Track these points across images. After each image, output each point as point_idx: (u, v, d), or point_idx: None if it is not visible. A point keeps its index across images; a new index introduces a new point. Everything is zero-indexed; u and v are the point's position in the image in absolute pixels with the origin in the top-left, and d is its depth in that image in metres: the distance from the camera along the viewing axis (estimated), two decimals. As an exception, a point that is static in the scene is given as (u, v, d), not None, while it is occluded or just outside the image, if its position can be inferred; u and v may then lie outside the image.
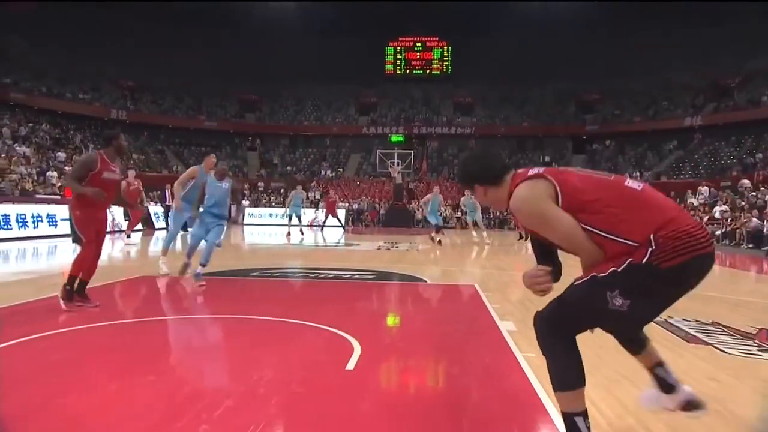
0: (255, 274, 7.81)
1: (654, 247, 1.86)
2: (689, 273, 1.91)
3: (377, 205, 29.94)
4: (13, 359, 3.34)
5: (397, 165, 29.73)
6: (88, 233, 5.05)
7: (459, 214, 25.11)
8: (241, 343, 3.90)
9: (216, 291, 6.52)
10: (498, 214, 28.80)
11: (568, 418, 2.02)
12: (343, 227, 22.93)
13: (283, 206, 28.64)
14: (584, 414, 2.02)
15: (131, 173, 12.54)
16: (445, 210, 26.25)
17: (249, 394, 2.78)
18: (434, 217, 15.17)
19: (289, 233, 17.69)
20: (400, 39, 42.72)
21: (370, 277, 7.82)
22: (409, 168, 32.30)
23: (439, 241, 14.71)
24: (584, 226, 1.98)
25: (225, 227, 6.82)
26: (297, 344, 3.90)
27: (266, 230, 22.65)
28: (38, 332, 3.92)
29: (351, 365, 3.30)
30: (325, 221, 21.74)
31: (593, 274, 1.96)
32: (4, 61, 29.79)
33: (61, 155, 24.57)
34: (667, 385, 2.29)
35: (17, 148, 22.60)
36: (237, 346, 3.83)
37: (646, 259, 1.86)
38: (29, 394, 2.71)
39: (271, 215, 27.98)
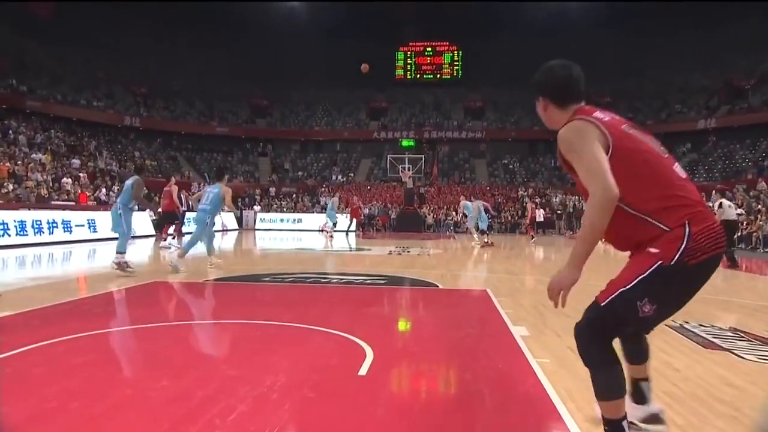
0: (267, 279, 7.84)
1: (686, 243, 1.91)
2: (709, 270, 2.00)
3: (388, 210, 29.95)
4: (30, 363, 3.39)
5: (408, 170, 29.74)
6: None
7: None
8: (253, 348, 3.92)
9: (228, 296, 6.56)
10: (510, 218, 28.71)
11: (615, 424, 2.08)
12: (355, 232, 23.43)
13: (295, 211, 29.29)
14: (626, 417, 2.10)
15: (173, 179, 13.45)
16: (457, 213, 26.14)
17: (262, 399, 2.79)
18: (472, 220, 15.33)
19: (331, 236, 19.69)
20: (410, 43, 42.82)
21: (381, 282, 7.81)
22: (420, 173, 32.28)
23: (490, 243, 15.00)
24: (621, 204, 1.96)
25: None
26: (309, 349, 3.91)
27: (277, 235, 22.73)
28: (55, 336, 3.97)
29: (363, 370, 3.30)
30: (350, 226, 22.52)
31: (620, 290, 2.01)
32: (21, 69, 30.28)
33: (76, 162, 24.85)
34: (642, 397, 2.42)
35: (33, 155, 22.92)
36: (250, 350, 3.85)
37: (676, 258, 1.91)
38: (45, 398, 2.74)
39: (282, 220, 28.12)
